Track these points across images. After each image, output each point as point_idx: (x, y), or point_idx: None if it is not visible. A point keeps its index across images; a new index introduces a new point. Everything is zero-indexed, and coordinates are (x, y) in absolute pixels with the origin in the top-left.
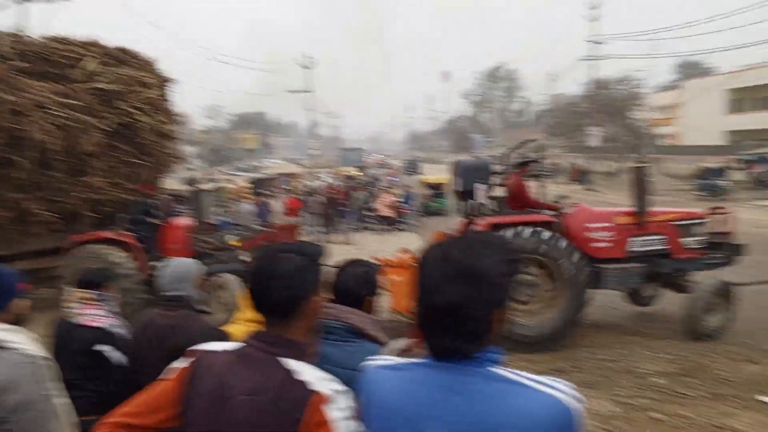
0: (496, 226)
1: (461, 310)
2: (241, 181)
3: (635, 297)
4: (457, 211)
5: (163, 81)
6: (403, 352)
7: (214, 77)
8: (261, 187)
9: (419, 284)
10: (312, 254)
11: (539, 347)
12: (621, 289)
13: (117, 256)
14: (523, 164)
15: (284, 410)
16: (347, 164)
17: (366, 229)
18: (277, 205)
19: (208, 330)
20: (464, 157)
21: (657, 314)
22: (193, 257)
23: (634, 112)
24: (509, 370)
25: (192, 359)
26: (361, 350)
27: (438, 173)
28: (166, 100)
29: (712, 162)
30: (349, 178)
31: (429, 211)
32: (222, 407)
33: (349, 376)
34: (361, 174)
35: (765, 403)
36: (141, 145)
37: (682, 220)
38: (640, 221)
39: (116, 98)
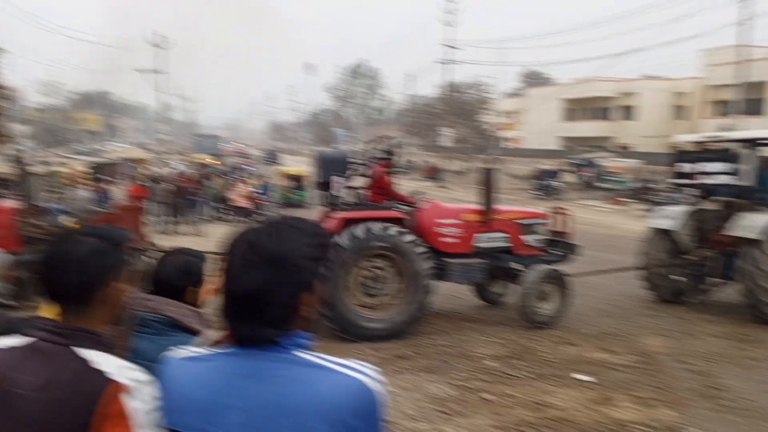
0: (349, 221)
1: (263, 295)
2: (79, 165)
3: (483, 293)
4: (318, 202)
5: None
6: (215, 343)
7: (53, 51)
8: (102, 172)
9: (224, 272)
10: (112, 238)
11: (387, 338)
12: (465, 282)
13: None
14: (386, 158)
15: (78, 402)
16: (201, 151)
17: (220, 220)
18: (119, 192)
19: (7, 324)
20: (326, 149)
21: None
22: (21, 243)
23: (483, 115)
24: (314, 354)
25: None
26: (179, 344)
27: (299, 165)
28: None
29: (548, 165)
30: (203, 165)
31: (288, 203)
32: (7, 407)
33: None
34: (217, 162)
35: (579, 380)
36: None
37: (525, 218)
38: (486, 219)
39: None
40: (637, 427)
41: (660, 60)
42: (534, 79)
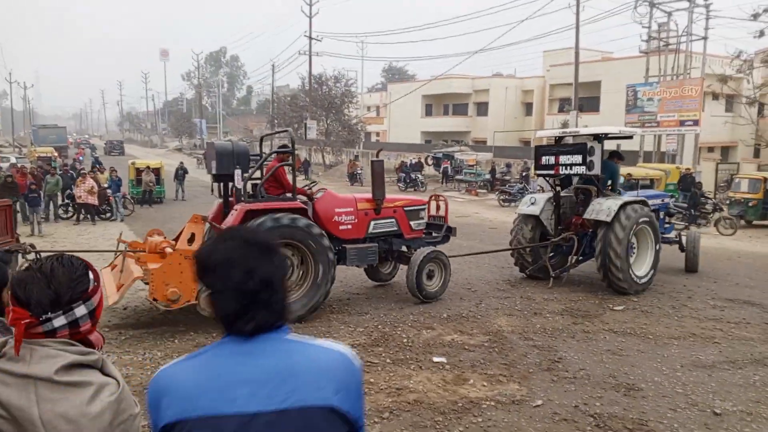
0: (254, 212)
1: (273, 285)
2: None
3: (375, 274)
4: (214, 192)
5: None
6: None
7: None
8: None
9: (224, 272)
10: None
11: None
12: (361, 265)
13: None
14: (284, 152)
15: None
16: (42, 143)
17: (63, 218)
18: None
19: None
20: (219, 141)
21: (362, 294)
22: None
23: (348, 109)
24: (299, 335)
25: None
26: None
27: (155, 158)
28: None
29: (410, 158)
30: (43, 159)
31: (145, 199)
32: None
33: None
34: (58, 155)
35: (436, 362)
36: None
37: (410, 206)
38: (378, 207)
39: None
40: (487, 402)
41: (509, 59)
42: (395, 75)
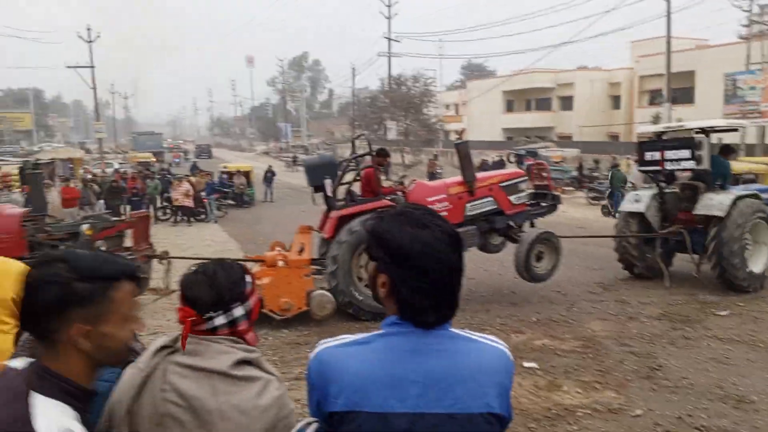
0: (345, 218)
1: (460, 275)
2: (9, 168)
3: (485, 247)
4: (314, 201)
5: None
6: (162, 350)
7: None
8: (32, 174)
9: (417, 260)
10: (83, 268)
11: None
12: (465, 249)
13: None
14: (375, 155)
15: None
16: (141, 149)
17: (161, 220)
18: (51, 194)
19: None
20: (310, 156)
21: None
22: (27, 248)
23: (427, 108)
24: (461, 330)
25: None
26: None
27: (244, 161)
28: None
29: (492, 156)
30: (143, 164)
31: (239, 201)
32: None
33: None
34: (156, 160)
35: (527, 367)
36: None
37: (506, 180)
38: (470, 188)
39: None
40: (583, 410)
41: (594, 51)
42: (474, 72)
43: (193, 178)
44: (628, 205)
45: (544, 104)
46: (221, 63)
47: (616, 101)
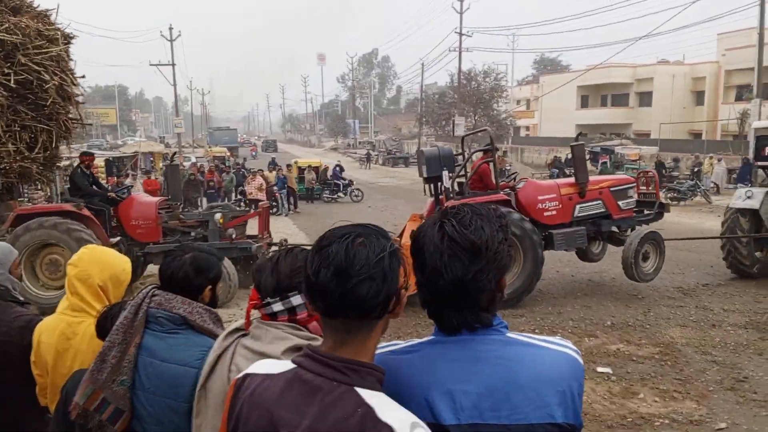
0: None
1: (469, 283)
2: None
3: (584, 254)
4: (426, 194)
5: (66, 36)
6: (236, 331)
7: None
8: (117, 166)
9: (422, 264)
10: (386, 238)
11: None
12: (570, 249)
13: (84, 232)
14: (487, 150)
15: None
16: (216, 144)
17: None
18: (135, 186)
19: (23, 323)
20: (427, 148)
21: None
22: (163, 235)
23: (497, 103)
24: (520, 334)
25: (232, 389)
26: (186, 343)
27: (313, 157)
28: (70, 59)
29: (565, 152)
30: (218, 158)
31: (308, 196)
32: None
33: (171, 370)
34: (230, 154)
35: (602, 373)
36: (43, 108)
37: (616, 185)
38: (581, 190)
39: (15, 51)
40: (661, 420)
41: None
42: (548, 66)
43: (267, 173)
44: (739, 201)
45: (620, 100)
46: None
47: (699, 97)
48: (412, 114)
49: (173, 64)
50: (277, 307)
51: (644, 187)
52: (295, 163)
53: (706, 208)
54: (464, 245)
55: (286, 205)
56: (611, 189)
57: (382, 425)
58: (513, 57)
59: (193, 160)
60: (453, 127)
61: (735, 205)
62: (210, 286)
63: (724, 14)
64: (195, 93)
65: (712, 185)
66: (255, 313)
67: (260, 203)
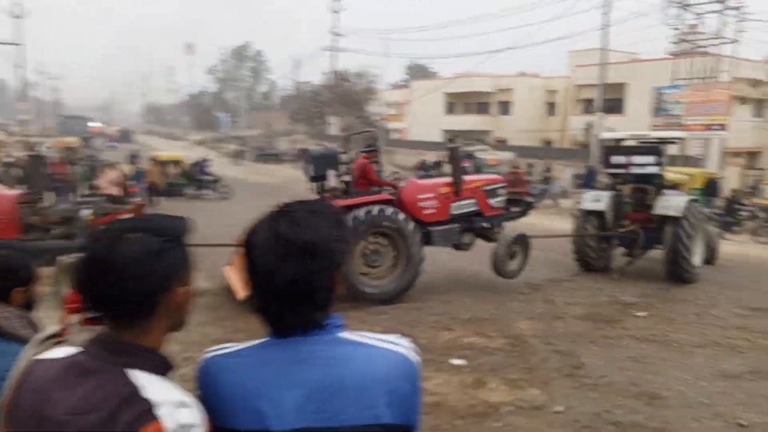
0: (348, 207)
1: (304, 284)
2: None
3: (458, 245)
4: (313, 192)
5: None
6: (49, 338)
7: None
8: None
9: (253, 266)
10: (170, 230)
11: (388, 302)
12: (446, 245)
13: None
14: (370, 150)
15: None
16: (68, 133)
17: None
18: None
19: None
20: (314, 147)
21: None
22: (21, 230)
23: (370, 105)
24: (355, 333)
25: (18, 375)
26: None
27: (177, 150)
28: None
29: (431, 156)
30: (69, 149)
31: (168, 192)
32: (39, 428)
33: None
34: (82, 145)
35: (455, 364)
36: None
37: (488, 185)
38: (457, 189)
39: None
40: (508, 407)
41: (533, 59)
42: (418, 72)
43: (126, 166)
44: (588, 204)
45: (483, 108)
46: (158, 49)
47: (552, 108)
48: (286, 111)
49: (16, 44)
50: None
51: (514, 187)
52: (157, 156)
53: (554, 210)
54: (298, 244)
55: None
56: (484, 188)
57: (142, 401)
58: (386, 61)
59: (44, 150)
60: (326, 126)
61: (585, 207)
62: (22, 289)
63: (573, 34)
64: (45, 78)
65: (560, 188)
66: (75, 318)
67: (133, 199)
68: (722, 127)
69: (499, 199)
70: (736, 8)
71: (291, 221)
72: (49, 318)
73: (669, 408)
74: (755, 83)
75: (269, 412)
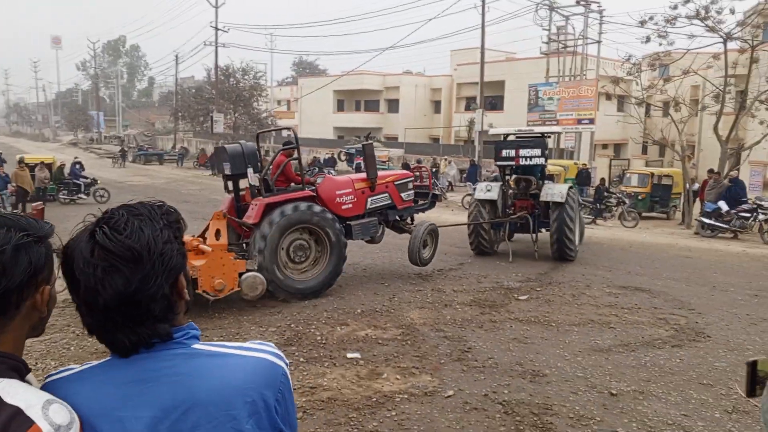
0: (272, 204)
1: (137, 296)
2: None
3: (372, 238)
4: (228, 192)
5: None
6: None
7: None
8: None
9: (74, 283)
10: (34, 229)
11: (310, 297)
12: (365, 238)
13: None
14: (288, 147)
15: None
16: None
17: None
18: None
19: None
20: (230, 145)
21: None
22: None
23: (257, 102)
24: (212, 344)
25: None
26: None
27: (47, 153)
28: None
29: (323, 153)
30: None
31: (40, 197)
32: None
33: None
34: None
35: (350, 358)
36: None
37: (399, 179)
38: (372, 184)
39: None
40: (401, 395)
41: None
42: (306, 69)
43: None
44: (481, 194)
45: (372, 105)
46: (22, 41)
47: (437, 106)
48: (167, 108)
49: None
50: None
51: (419, 181)
52: (24, 159)
53: (442, 203)
54: (120, 253)
55: (8, 208)
56: (395, 183)
57: (8, 407)
58: (272, 57)
59: None
60: (212, 123)
61: (478, 197)
62: None
63: (453, 33)
64: None
65: (447, 183)
66: None
67: (33, 204)
68: (591, 121)
69: (409, 192)
70: (599, 12)
71: (111, 228)
72: None
73: (550, 384)
74: (616, 80)
75: None
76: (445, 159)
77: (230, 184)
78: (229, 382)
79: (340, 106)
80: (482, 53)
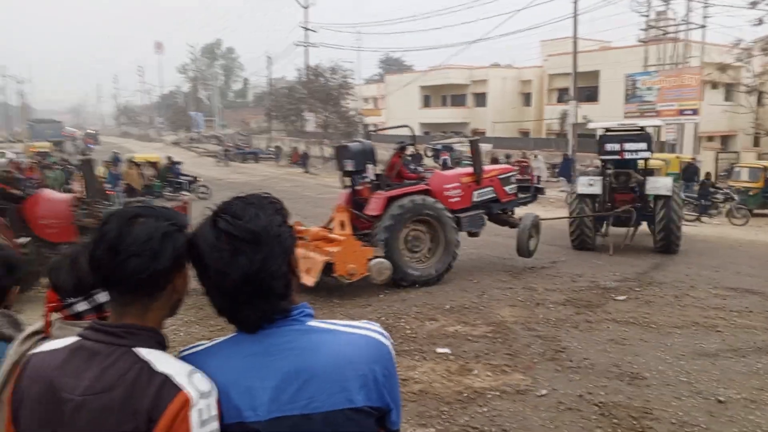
0: (394, 198)
1: (259, 276)
2: None
3: (477, 230)
4: (345, 187)
5: None
6: (33, 335)
7: None
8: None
9: (204, 269)
10: (177, 220)
11: (427, 284)
12: (473, 229)
13: None
14: (402, 147)
15: (138, 409)
16: (38, 138)
17: None
18: None
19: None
20: (349, 142)
21: (364, 287)
22: (76, 233)
23: (346, 100)
24: (324, 321)
25: (18, 372)
26: None
27: (153, 152)
28: None
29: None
30: (40, 154)
31: (146, 194)
32: (57, 412)
33: None
34: (55, 150)
35: (440, 353)
36: None
37: (503, 174)
38: (478, 179)
39: None
40: (492, 392)
41: (507, 49)
42: (392, 66)
43: (100, 168)
44: (583, 188)
45: (459, 100)
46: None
47: (527, 98)
48: (261, 107)
49: None
50: (82, 306)
51: (521, 175)
52: (133, 158)
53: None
54: (243, 237)
55: (122, 203)
56: (499, 177)
57: (158, 375)
58: (359, 54)
59: (10, 155)
60: (303, 122)
61: (581, 192)
62: (13, 288)
63: (544, 23)
64: (10, 81)
65: (537, 177)
66: (56, 315)
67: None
68: (695, 111)
69: (512, 186)
70: None
71: (232, 216)
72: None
73: (650, 387)
74: (723, 67)
75: (243, 405)
76: (535, 154)
77: (348, 180)
78: (342, 356)
79: (427, 102)
80: (575, 43)
